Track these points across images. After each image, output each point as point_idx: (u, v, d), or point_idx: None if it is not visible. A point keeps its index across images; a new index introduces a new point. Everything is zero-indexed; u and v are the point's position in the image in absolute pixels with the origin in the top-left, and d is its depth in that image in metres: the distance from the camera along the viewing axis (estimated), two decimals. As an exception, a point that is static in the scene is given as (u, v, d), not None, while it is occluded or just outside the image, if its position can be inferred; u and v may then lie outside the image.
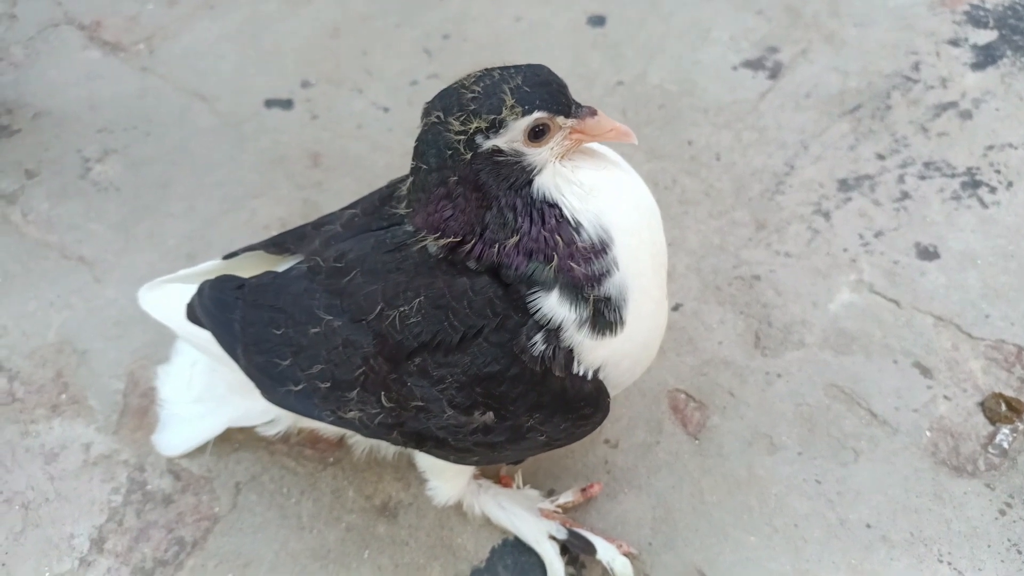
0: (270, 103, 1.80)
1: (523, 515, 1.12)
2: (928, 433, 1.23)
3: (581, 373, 0.87)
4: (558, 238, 0.84)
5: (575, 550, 1.11)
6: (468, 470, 1.11)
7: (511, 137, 0.83)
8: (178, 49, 1.94)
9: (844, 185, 1.52)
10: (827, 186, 1.52)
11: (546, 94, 0.83)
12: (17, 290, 1.49)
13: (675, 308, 1.37)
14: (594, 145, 0.93)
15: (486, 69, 0.86)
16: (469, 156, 0.82)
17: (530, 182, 0.85)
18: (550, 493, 1.17)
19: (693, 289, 1.40)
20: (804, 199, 1.51)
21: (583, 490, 1.16)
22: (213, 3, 2.03)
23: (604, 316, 0.85)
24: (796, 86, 1.69)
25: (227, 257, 1.14)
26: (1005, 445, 1.21)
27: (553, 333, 0.85)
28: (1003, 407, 1.24)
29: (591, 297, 0.84)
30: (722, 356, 1.32)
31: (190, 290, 1.08)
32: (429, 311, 0.86)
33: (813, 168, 1.55)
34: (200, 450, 1.23)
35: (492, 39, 1.87)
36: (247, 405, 1.11)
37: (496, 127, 0.81)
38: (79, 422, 1.31)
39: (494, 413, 0.87)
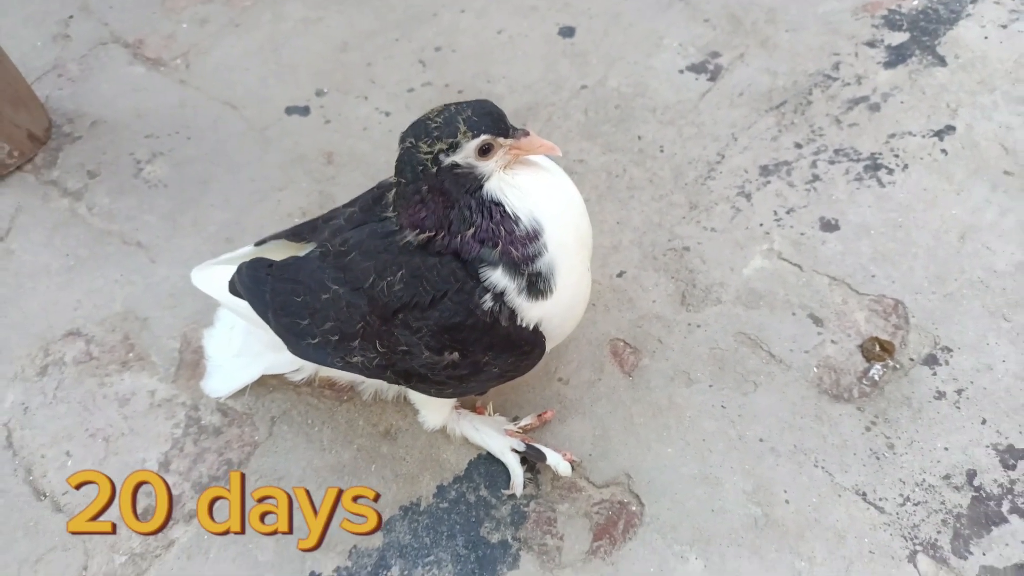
0: (290, 110, 2.12)
1: (492, 434, 1.46)
2: (815, 369, 1.54)
3: (523, 324, 1.19)
4: (502, 229, 1.15)
5: (531, 458, 1.44)
6: (449, 402, 1.44)
7: (465, 154, 1.13)
8: (210, 63, 2.27)
9: (765, 170, 1.83)
10: (751, 172, 1.83)
11: (490, 121, 1.14)
12: (87, 271, 1.84)
13: (619, 275, 1.69)
14: (538, 158, 1.24)
15: (445, 105, 1.17)
16: (435, 170, 1.13)
17: (481, 187, 1.15)
18: (515, 419, 1.50)
19: (635, 259, 1.71)
20: (730, 183, 1.81)
21: (539, 415, 1.49)
22: (238, 22, 2.35)
23: (537, 286, 1.16)
24: (732, 86, 1.99)
25: (258, 244, 1.47)
26: (876, 378, 1.52)
27: (499, 296, 1.16)
28: (877, 348, 1.55)
29: (526, 272, 1.15)
30: (655, 312, 1.63)
31: (230, 270, 1.41)
32: (409, 280, 1.17)
33: (740, 157, 1.86)
34: (240, 392, 1.57)
35: (477, 50, 2.17)
36: (277, 358, 1.44)
37: (454, 148, 1.12)
38: (144, 374, 1.65)
39: (459, 353, 1.19)
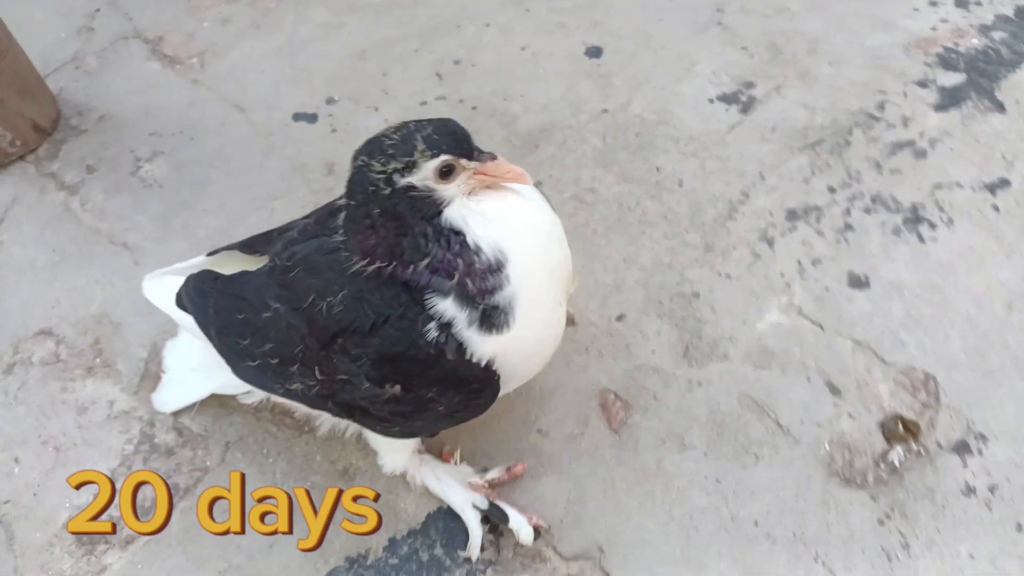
0: (297, 116, 2.03)
1: (454, 486, 1.32)
2: (827, 446, 1.37)
3: (475, 360, 1.05)
4: (460, 260, 1.02)
5: (493, 518, 1.30)
6: (408, 445, 1.31)
7: (423, 176, 1.01)
8: (226, 65, 2.20)
9: (792, 215, 1.66)
10: (776, 215, 1.67)
11: (452, 141, 1.02)
12: (71, 268, 1.77)
13: (619, 318, 1.55)
14: (517, 186, 1.11)
15: (403, 122, 1.05)
16: (388, 191, 1.01)
17: (440, 213, 1.03)
18: (483, 470, 1.36)
19: (638, 302, 1.57)
20: (752, 226, 1.65)
21: (508, 469, 1.35)
22: (260, 23, 2.28)
23: (492, 319, 1.03)
24: (764, 120, 1.83)
25: (210, 255, 1.38)
26: (896, 463, 1.34)
27: (446, 326, 1.03)
28: (901, 428, 1.37)
29: (480, 304, 1.02)
30: (653, 363, 1.48)
31: (181, 282, 1.32)
32: (350, 302, 1.05)
33: (766, 198, 1.70)
34: (188, 409, 1.47)
35: (497, 65, 2.06)
36: (230, 377, 1.33)
37: (410, 167, 1.00)
38: (108, 382, 1.57)
39: (400, 386, 1.07)
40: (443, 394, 1.08)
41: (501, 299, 1.03)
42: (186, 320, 1.29)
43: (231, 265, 1.30)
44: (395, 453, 1.33)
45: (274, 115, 2.03)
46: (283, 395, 1.21)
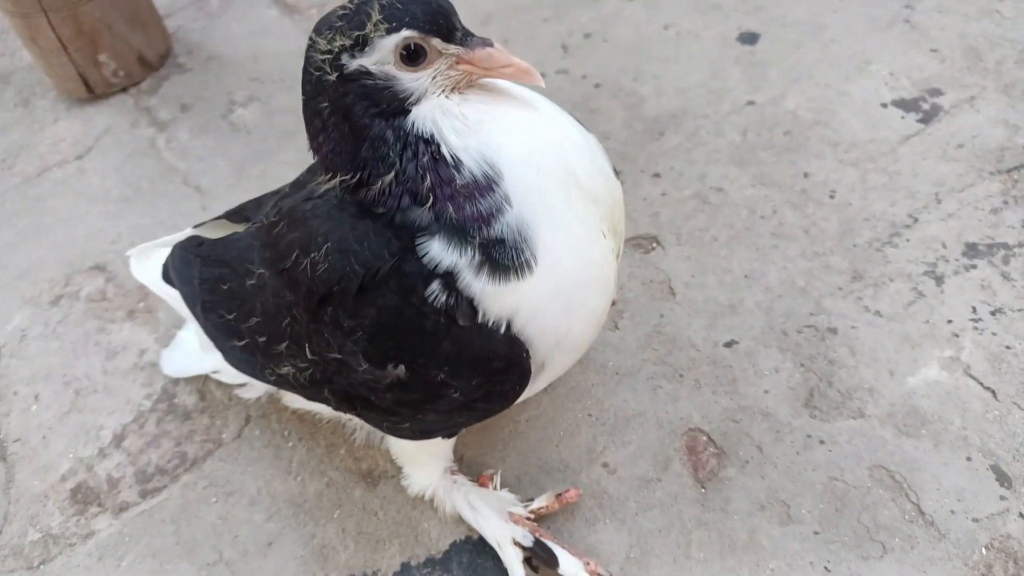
0: (404, 76, 1.85)
1: (492, 517, 1.07)
2: (984, 550, 1.02)
3: (491, 324, 0.79)
4: (433, 175, 0.76)
5: (538, 560, 1.04)
6: (438, 457, 1.07)
7: (379, 58, 0.76)
8: (345, 17, 2.06)
9: (972, 250, 1.31)
10: (951, 247, 1.32)
11: (420, 12, 0.76)
12: (141, 204, 1.65)
13: (728, 344, 1.25)
14: (510, 85, 0.83)
15: None
16: (335, 77, 0.76)
17: (405, 112, 0.78)
18: (528, 500, 1.10)
19: (756, 328, 1.26)
20: (918, 256, 1.31)
21: (558, 496, 1.08)
22: (386, -21, 2.13)
23: (499, 259, 0.76)
24: (950, 134, 1.48)
25: (197, 227, 1.19)
26: (1084, 590, 0.98)
27: (450, 280, 0.77)
28: (1096, 545, 1.00)
29: (476, 240, 0.76)
30: (763, 406, 1.18)
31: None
32: (335, 256, 0.81)
33: (940, 225, 1.35)
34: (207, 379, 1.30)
35: (633, 42, 1.80)
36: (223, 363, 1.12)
37: (360, 45, 0.75)
38: (145, 330, 1.42)
39: (405, 366, 0.82)
40: (457, 375, 0.81)
41: (504, 228, 0.76)
42: (173, 296, 1.11)
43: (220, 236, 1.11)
44: (421, 469, 1.09)
45: (380, 72, 1.86)
46: (275, 382, 0.99)
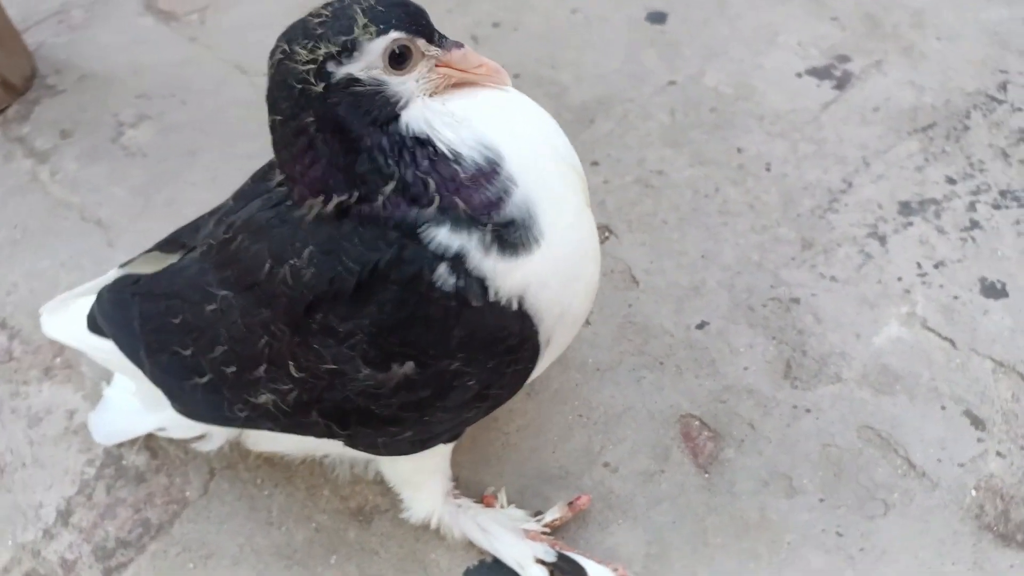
0: (309, 81, 1.75)
1: (506, 537, 1.02)
2: (973, 492, 1.08)
3: (503, 303, 0.77)
4: (436, 176, 0.75)
5: (564, 574, 1.00)
6: (437, 474, 1.02)
7: (368, 62, 0.74)
8: (229, 21, 1.91)
9: (906, 208, 1.38)
10: (886, 208, 1.38)
11: (403, 14, 0.75)
12: (33, 247, 1.48)
13: (699, 326, 1.26)
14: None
15: None
16: (322, 88, 0.73)
17: (396, 117, 0.76)
18: (536, 514, 1.07)
19: (722, 307, 1.28)
20: (859, 220, 1.37)
21: (570, 504, 1.06)
22: (270, -22, 2.00)
23: (509, 238, 0.75)
24: (864, 99, 1.55)
25: (123, 265, 1.08)
26: (1064, 516, 1.05)
27: (458, 263, 0.75)
28: (1066, 472, 1.08)
29: (488, 225, 0.75)
30: (746, 383, 1.19)
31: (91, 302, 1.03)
32: (320, 258, 0.77)
33: (873, 187, 1.41)
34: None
35: (544, 30, 1.78)
36: (173, 414, 1.00)
37: (349, 50, 0.73)
38: (68, 387, 1.27)
39: (414, 362, 0.78)
40: (471, 361, 0.79)
41: (514, 208, 0.76)
42: (105, 349, 1.00)
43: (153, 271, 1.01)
44: (421, 492, 1.03)
45: (282, 79, 1.75)
46: (246, 422, 0.91)
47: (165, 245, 1.06)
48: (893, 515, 1.06)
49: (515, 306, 0.78)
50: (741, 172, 1.45)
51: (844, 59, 1.62)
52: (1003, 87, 1.54)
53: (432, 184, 0.75)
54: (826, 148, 1.47)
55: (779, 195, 1.41)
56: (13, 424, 1.24)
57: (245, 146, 1.61)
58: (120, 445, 1.19)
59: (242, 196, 0.93)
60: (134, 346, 0.96)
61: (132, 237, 1.47)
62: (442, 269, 0.75)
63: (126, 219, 1.50)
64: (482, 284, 0.76)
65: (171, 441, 1.17)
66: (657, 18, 1.77)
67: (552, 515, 1.05)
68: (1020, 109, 1.50)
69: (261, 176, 0.92)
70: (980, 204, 1.38)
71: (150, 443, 1.19)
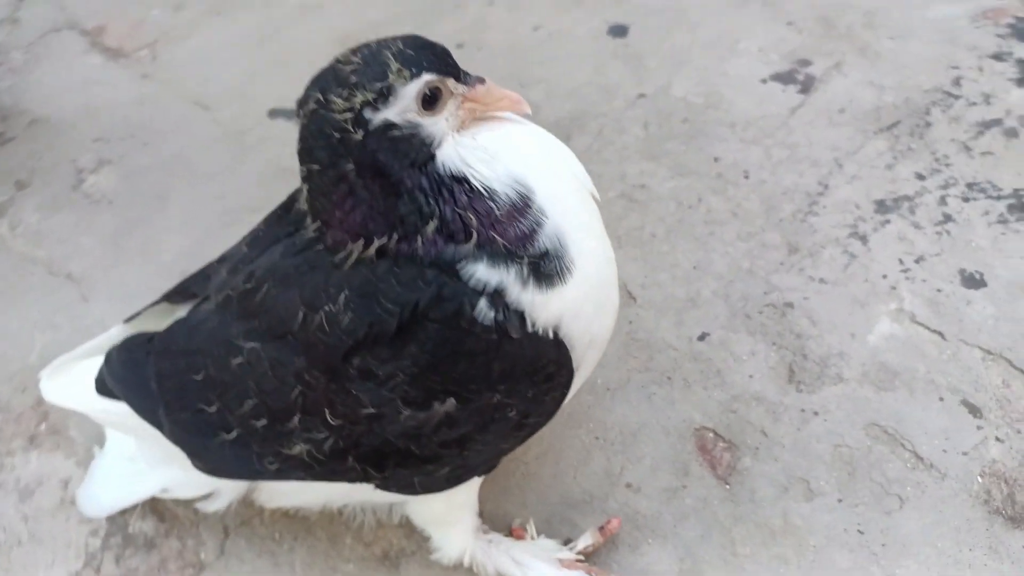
0: (274, 112, 1.72)
1: (541, 568, 1.01)
2: (979, 479, 1.12)
3: (541, 333, 0.79)
4: (474, 213, 0.76)
5: (602, 603, 1.01)
6: (466, 508, 1.01)
7: (403, 107, 0.75)
8: (182, 56, 1.87)
9: (882, 207, 1.42)
10: (864, 207, 1.42)
11: (432, 56, 0.77)
12: (1, 306, 1.41)
13: (701, 337, 1.28)
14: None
15: (360, 44, 0.79)
16: (361, 135, 0.74)
17: (432, 157, 0.77)
18: (567, 542, 1.07)
19: (721, 317, 1.30)
20: (839, 221, 1.41)
21: (600, 529, 1.06)
22: (221, 9, 1.96)
23: (544, 269, 0.77)
24: (828, 101, 1.60)
25: (128, 320, 1.05)
26: (1066, 494, 1.10)
27: (497, 297, 0.76)
28: (1062, 452, 1.13)
29: (525, 258, 0.77)
30: (753, 391, 1.21)
31: (98, 364, 1.00)
32: (357, 302, 0.77)
33: (848, 188, 1.45)
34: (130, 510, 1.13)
35: (508, 48, 1.78)
36: (181, 474, 0.98)
37: (384, 96, 0.74)
38: (58, 455, 1.22)
39: (455, 398, 0.78)
40: (512, 392, 0.80)
41: (546, 240, 0.78)
42: (117, 412, 0.97)
43: (162, 326, 0.98)
44: (452, 529, 1.02)
45: (246, 112, 1.71)
46: (277, 475, 0.89)
47: (174, 295, 1.03)
48: (908, 508, 1.09)
49: (551, 335, 0.80)
50: (721, 181, 1.48)
51: (805, 63, 1.67)
52: (957, 82, 1.61)
53: (472, 220, 0.76)
54: (799, 152, 1.51)
55: (760, 201, 1.44)
56: (3, 500, 1.18)
57: (215, 186, 1.58)
58: (123, 512, 1.14)
59: (257, 242, 0.91)
60: (151, 407, 0.93)
61: (107, 289, 1.42)
62: (482, 304, 0.76)
63: (99, 270, 1.45)
64: (521, 316, 0.77)
65: (177, 503, 1.14)
66: (619, 31, 1.79)
67: (584, 542, 1.05)
68: (975, 103, 1.57)
69: (277, 219, 0.90)
70: (950, 198, 1.43)
71: (155, 507, 1.15)
